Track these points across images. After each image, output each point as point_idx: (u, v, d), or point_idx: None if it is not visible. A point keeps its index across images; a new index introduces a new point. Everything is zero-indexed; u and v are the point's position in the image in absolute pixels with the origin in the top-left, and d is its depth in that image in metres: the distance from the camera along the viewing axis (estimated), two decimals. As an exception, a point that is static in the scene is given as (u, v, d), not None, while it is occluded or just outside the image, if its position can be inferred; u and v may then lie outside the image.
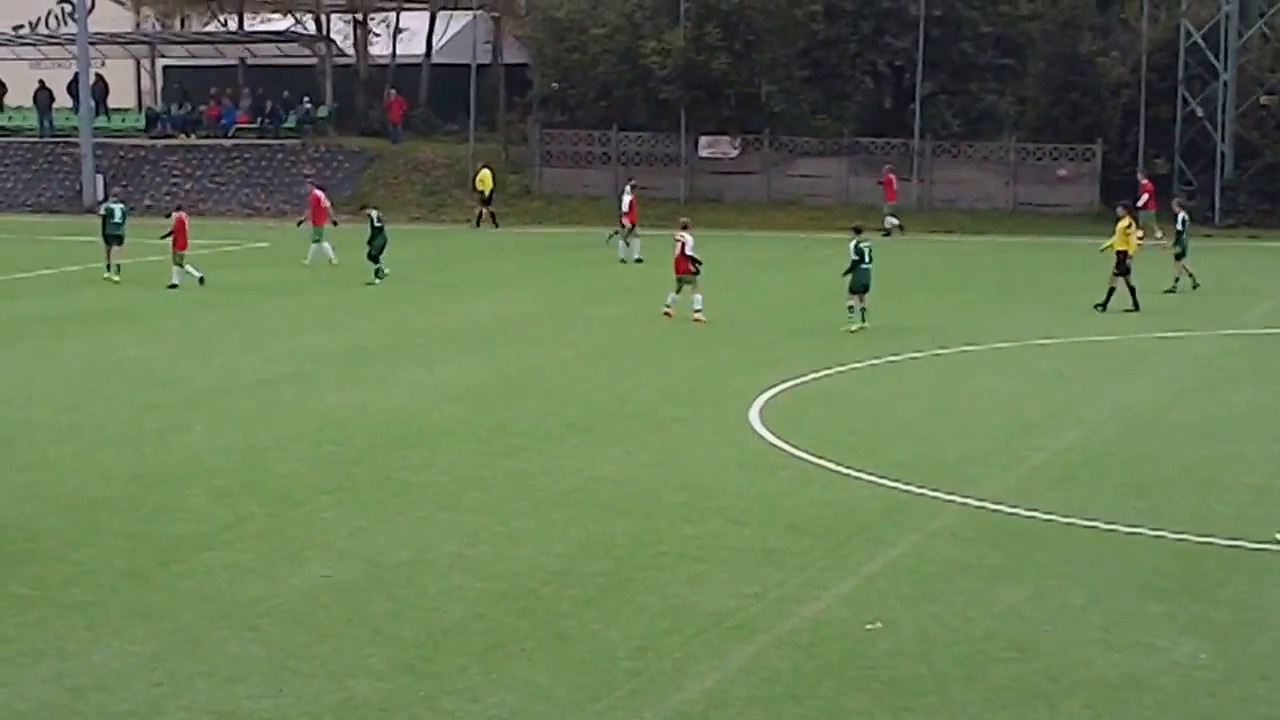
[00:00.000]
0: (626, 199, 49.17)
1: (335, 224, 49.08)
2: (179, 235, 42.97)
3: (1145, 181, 54.20)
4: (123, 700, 14.07)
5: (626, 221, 48.60)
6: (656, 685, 14.35)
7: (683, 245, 35.85)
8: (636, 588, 17.04)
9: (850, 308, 34.33)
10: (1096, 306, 37.26)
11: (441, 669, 14.70)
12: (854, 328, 33.99)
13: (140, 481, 21.63)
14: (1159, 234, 52.48)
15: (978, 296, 37.56)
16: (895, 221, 55.83)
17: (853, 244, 34.61)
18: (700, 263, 35.92)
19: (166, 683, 14.40)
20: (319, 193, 49.37)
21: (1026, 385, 28.58)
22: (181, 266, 42.91)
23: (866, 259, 34.30)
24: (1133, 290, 37.37)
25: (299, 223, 50.54)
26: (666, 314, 35.78)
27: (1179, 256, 41.13)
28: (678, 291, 35.91)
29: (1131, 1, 62.60)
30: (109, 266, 44.61)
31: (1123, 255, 37.57)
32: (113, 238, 44.86)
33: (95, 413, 26.35)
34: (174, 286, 42.30)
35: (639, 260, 47.33)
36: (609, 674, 14.59)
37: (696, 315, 35.30)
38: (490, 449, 23.55)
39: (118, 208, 45.89)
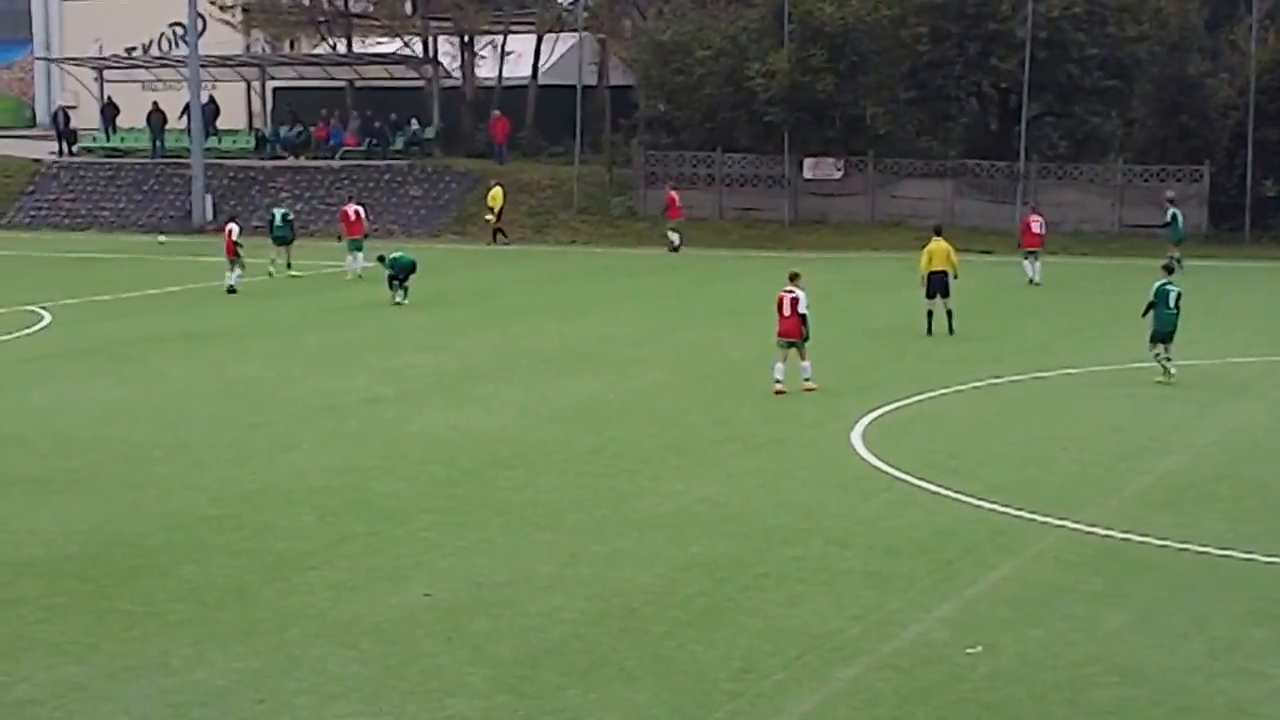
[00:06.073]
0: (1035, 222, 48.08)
1: (367, 236, 51.16)
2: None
3: None
4: (225, 716, 14.26)
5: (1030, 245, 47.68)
6: (756, 707, 14.36)
7: (795, 301, 29.77)
8: (737, 609, 17.06)
9: (1156, 356, 30.42)
10: (928, 333, 36.77)
11: (541, 689, 14.77)
12: (1161, 378, 30.22)
13: (246, 500, 21.88)
14: None
15: (1082, 320, 37.21)
16: (675, 239, 58.18)
17: (1156, 285, 30.58)
18: (808, 324, 29.99)
19: (269, 699, 14.56)
20: (350, 208, 51.26)
21: (1131, 408, 28.33)
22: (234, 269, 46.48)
23: (1170, 304, 30.19)
24: (931, 316, 37.03)
25: (338, 237, 52.11)
26: (779, 390, 29.51)
27: None
28: (784, 360, 29.79)
29: (1240, 23, 62.03)
30: (273, 262, 49.87)
31: (942, 276, 36.98)
32: (279, 239, 50.43)
33: (202, 431, 26.65)
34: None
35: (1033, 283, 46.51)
36: (709, 695, 14.60)
37: (808, 385, 29.72)
38: (591, 470, 23.64)
39: (279, 212, 51.52)
